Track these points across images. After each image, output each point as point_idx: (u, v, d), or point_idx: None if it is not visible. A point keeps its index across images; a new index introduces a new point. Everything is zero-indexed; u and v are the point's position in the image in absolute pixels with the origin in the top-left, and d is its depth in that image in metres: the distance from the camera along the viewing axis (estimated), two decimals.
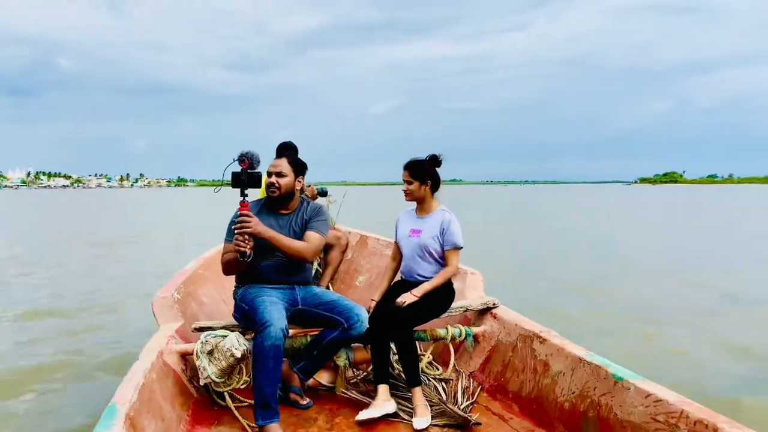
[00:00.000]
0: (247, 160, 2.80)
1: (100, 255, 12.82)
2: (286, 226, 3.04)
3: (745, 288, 8.72)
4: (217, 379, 2.76)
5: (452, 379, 3.24)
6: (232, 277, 3.15)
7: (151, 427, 2.23)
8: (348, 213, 6.32)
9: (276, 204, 3.08)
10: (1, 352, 5.37)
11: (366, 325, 2.97)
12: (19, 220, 27.56)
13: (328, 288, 5.00)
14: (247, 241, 2.77)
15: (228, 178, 2.81)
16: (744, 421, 1.84)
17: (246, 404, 2.94)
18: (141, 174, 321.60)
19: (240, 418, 2.76)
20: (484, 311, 3.47)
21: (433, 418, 2.81)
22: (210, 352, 2.76)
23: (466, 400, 2.99)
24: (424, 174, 3.21)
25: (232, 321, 3.13)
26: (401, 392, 3.06)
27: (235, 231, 2.79)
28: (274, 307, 2.79)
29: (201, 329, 3.07)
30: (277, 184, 3.01)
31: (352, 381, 3.26)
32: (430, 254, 3.19)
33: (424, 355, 3.47)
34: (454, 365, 3.37)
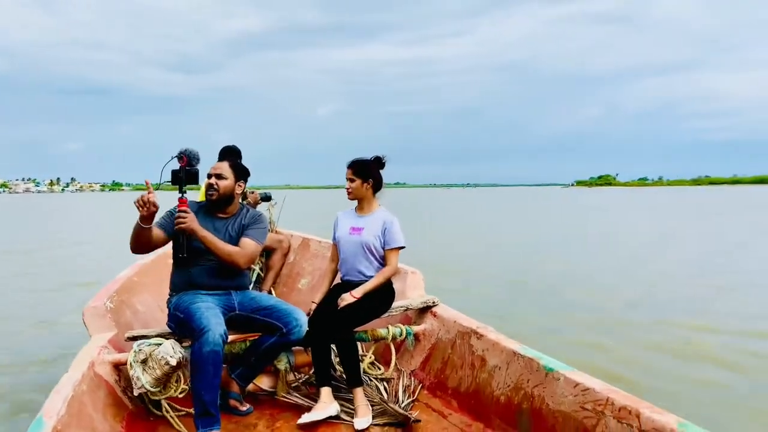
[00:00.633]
0: (186, 158, 2.80)
1: (20, 264, 12.17)
2: (223, 230, 3.00)
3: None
4: (152, 389, 2.68)
5: (394, 379, 3.27)
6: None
7: None
8: (291, 217, 6.28)
9: (214, 207, 3.04)
10: None
11: (305, 328, 2.96)
12: None
13: (270, 292, 4.96)
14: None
15: (167, 175, 2.82)
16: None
17: (184, 413, 2.87)
18: (72, 178, 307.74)
19: (178, 426, 2.70)
20: (425, 310, 3.52)
21: (374, 417, 2.83)
22: (144, 361, 2.69)
23: (407, 399, 3.03)
24: (366, 173, 3.24)
25: (167, 329, 3.05)
26: (343, 393, 3.07)
27: (175, 227, 2.80)
28: (211, 312, 2.75)
29: (134, 338, 2.98)
30: (216, 186, 2.97)
31: (293, 385, 3.24)
32: (372, 253, 3.21)
33: (365, 355, 3.49)
34: (396, 364, 3.41)
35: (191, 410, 2.72)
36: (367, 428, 2.75)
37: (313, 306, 3.25)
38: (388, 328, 3.37)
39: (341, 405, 2.94)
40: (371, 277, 3.21)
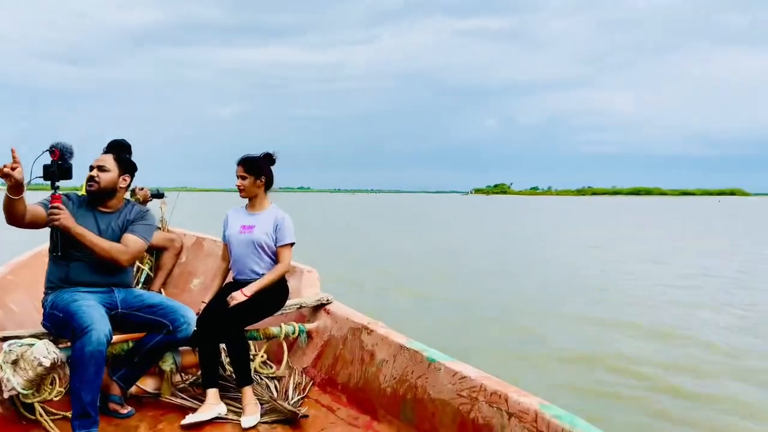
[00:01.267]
0: (58, 152, 2.69)
1: None
2: (105, 225, 2.88)
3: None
4: (23, 391, 2.52)
5: (285, 377, 3.28)
6: None
7: None
8: (185, 218, 6.11)
9: (96, 201, 2.91)
10: None
11: (193, 327, 2.91)
12: None
13: (159, 293, 4.77)
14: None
15: (38, 170, 2.70)
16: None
17: (60, 416, 2.72)
18: None
19: (52, 429, 2.56)
20: (319, 308, 3.56)
21: (262, 415, 2.83)
22: (15, 362, 2.52)
23: (297, 395, 3.06)
24: (257, 169, 3.23)
25: (43, 329, 2.88)
26: (232, 393, 3.04)
27: (48, 224, 2.69)
28: (94, 310, 2.63)
29: (5, 339, 2.78)
30: (97, 178, 2.86)
31: (179, 386, 3.16)
32: (264, 250, 3.20)
33: (257, 354, 3.48)
34: (288, 362, 3.42)
35: (68, 413, 2.60)
36: (255, 426, 2.75)
37: (203, 306, 3.20)
38: (281, 326, 3.38)
39: (229, 405, 2.92)
40: (263, 275, 3.20)
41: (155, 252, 5.03)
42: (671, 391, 4.84)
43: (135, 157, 3.18)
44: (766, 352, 6.03)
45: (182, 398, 3.01)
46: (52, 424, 2.60)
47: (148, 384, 3.09)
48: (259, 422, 2.78)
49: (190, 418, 2.73)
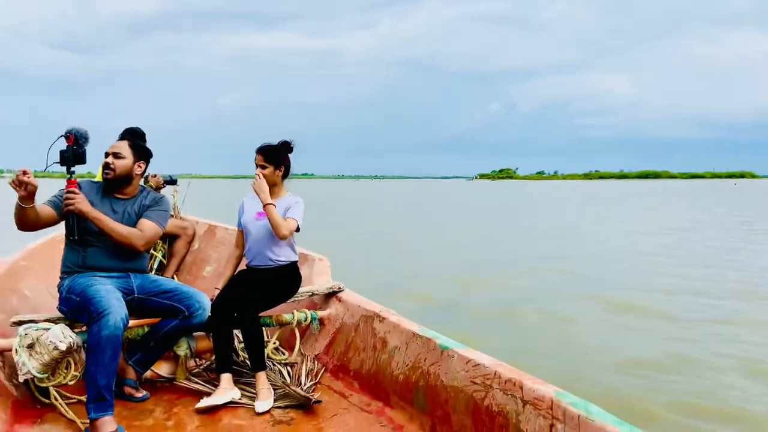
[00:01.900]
0: (73, 137, 2.71)
1: None
2: (121, 211, 2.89)
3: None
4: (39, 375, 2.55)
5: (297, 363, 3.30)
6: None
7: None
8: (194, 206, 6.12)
9: (112, 188, 2.93)
10: None
11: (208, 313, 2.93)
12: None
13: (173, 279, 4.81)
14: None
15: (55, 156, 2.73)
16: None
17: (75, 401, 2.76)
18: None
19: (67, 412, 2.59)
20: (330, 295, 3.57)
21: (276, 400, 2.85)
22: (30, 346, 2.55)
23: (310, 382, 3.08)
24: (278, 158, 3.22)
25: (58, 314, 2.91)
26: (245, 379, 3.07)
27: (63, 209, 2.70)
28: (111, 294, 2.64)
29: (20, 323, 2.81)
30: (112, 165, 2.87)
31: (193, 371, 3.19)
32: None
33: (269, 341, 3.50)
34: (300, 349, 3.44)
35: (83, 398, 2.62)
36: (268, 411, 2.77)
37: (217, 292, 3.21)
38: (293, 313, 3.40)
39: (243, 390, 2.95)
40: (280, 261, 3.21)
41: (168, 239, 5.06)
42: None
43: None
44: None
45: (197, 383, 3.04)
46: (67, 408, 2.63)
47: (163, 368, 3.12)
48: (272, 407, 2.80)
49: (204, 402, 2.76)
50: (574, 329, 6.17)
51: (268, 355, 3.29)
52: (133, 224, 2.87)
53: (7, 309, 3.17)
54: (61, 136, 2.73)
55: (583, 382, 4.34)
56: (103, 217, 2.75)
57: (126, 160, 2.90)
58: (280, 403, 2.84)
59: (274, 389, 2.93)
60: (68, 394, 2.77)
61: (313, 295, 3.53)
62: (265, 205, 3.09)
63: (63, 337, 2.57)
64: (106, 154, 2.90)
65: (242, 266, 3.37)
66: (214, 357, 3.08)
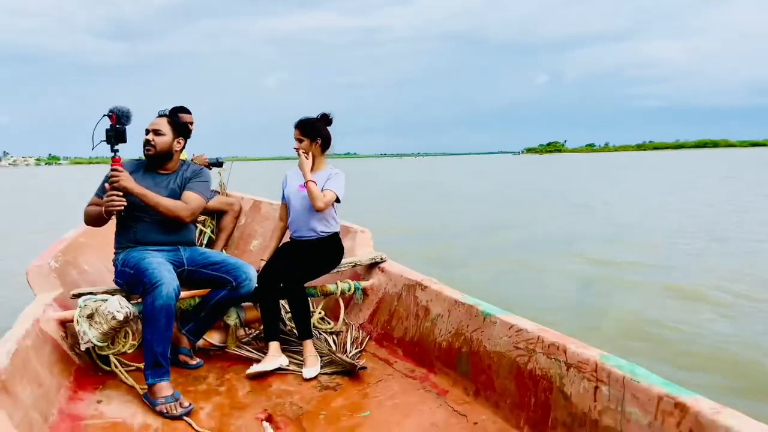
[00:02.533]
0: (115, 115, 2.77)
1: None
2: (164, 186, 2.99)
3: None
4: (99, 343, 2.69)
5: (342, 332, 3.38)
6: None
7: (26, 392, 2.15)
8: (239, 186, 6.22)
9: (153, 164, 3.03)
10: None
11: (254, 283, 3.01)
12: None
13: None
14: (117, 197, 2.77)
15: (99, 135, 2.81)
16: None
17: (133, 368, 2.90)
18: (5, 152, 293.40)
19: (127, 379, 2.73)
20: (373, 266, 3.62)
21: (322, 367, 2.93)
22: (90, 316, 2.68)
23: (355, 349, 3.14)
24: (314, 131, 3.25)
25: (115, 287, 3.05)
26: (293, 347, 3.16)
27: (107, 187, 2.79)
28: (163, 267, 2.75)
29: (80, 295, 2.96)
30: (153, 142, 2.96)
31: (243, 340, 3.30)
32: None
33: (315, 311, 3.58)
34: (344, 318, 3.51)
35: (141, 365, 2.75)
36: (316, 377, 2.86)
37: (263, 264, 3.30)
38: (337, 283, 3.46)
39: (291, 357, 3.04)
40: (323, 233, 3.26)
41: (216, 215, 5.20)
42: None
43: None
44: None
45: (247, 350, 3.16)
46: (126, 375, 2.77)
47: (214, 337, 3.25)
48: (319, 373, 2.88)
49: (254, 369, 2.86)
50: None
51: (314, 324, 3.37)
52: (177, 197, 2.97)
53: (67, 282, 3.34)
54: (105, 115, 2.81)
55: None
56: (148, 192, 2.84)
57: (166, 137, 2.98)
58: (326, 370, 2.92)
59: (321, 357, 3.00)
60: (127, 362, 2.91)
61: (356, 265, 3.58)
62: (306, 182, 3.14)
63: (120, 307, 2.69)
64: (147, 131, 2.99)
65: (286, 238, 3.44)
66: (262, 326, 3.18)
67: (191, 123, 4.49)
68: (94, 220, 2.92)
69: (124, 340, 2.79)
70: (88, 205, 2.97)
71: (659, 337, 4.80)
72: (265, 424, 2.40)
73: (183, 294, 2.98)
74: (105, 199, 2.79)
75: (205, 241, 5.08)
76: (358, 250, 3.77)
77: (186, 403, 2.50)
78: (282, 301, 3.36)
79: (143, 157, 3.09)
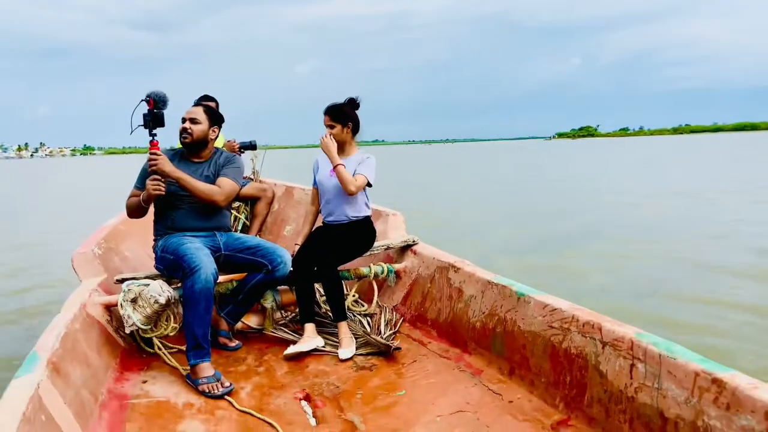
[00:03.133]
0: (152, 100, 2.83)
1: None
2: (199, 173, 3.05)
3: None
4: (143, 326, 2.78)
5: (376, 314, 3.42)
6: None
7: (76, 373, 2.24)
8: (272, 173, 6.28)
9: (189, 152, 3.10)
10: None
11: (290, 266, 3.07)
12: None
13: None
14: (157, 182, 2.85)
15: (136, 120, 2.86)
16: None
17: (176, 350, 3.00)
18: (41, 143, 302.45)
19: (170, 360, 2.82)
20: (405, 248, 3.65)
21: (357, 348, 2.98)
22: (134, 300, 2.78)
23: (389, 330, 3.18)
24: (344, 116, 3.28)
25: (156, 272, 3.15)
26: (328, 329, 3.22)
27: (148, 169, 2.87)
28: (201, 251, 2.82)
29: (123, 280, 3.07)
30: (189, 130, 3.02)
31: (280, 322, 3.38)
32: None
33: (348, 294, 3.63)
34: (378, 301, 3.55)
35: (183, 347, 2.84)
36: (351, 358, 2.91)
37: (297, 248, 3.35)
38: (370, 266, 3.50)
39: (326, 339, 3.10)
40: (354, 217, 3.31)
41: (250, 202, 5.30)
42: None
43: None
44: None
45: (284, 332, 3.23)
46: (169, 357, 2.87)
47: (252, 320, 3.33)
48: (354, 354, 2.93)
49: (291, 349, 2.93)
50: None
51: (348, 306, 3.42)
52: (212, 183, 3.03)
53: (110, 268, 3.46)
54: (142, 100, 2.86)
55: None
56: (185, 175, 2.91)
57: (202, 125, 3.05)
58: (361, 351, 2.97)
59: (355, 338, 3.05)
60: (170, 344, 3.01)
61: (388, 248, 3.61)
62: (335, 166, 3.18)
63: (161, 291, 2.78)
64: (183, 120, 3.06)
65: (319, 222, 3.49)
66: (298, 309, 3.25)
67: None
68: (135, 210, 3.02)
69: (166, 323, 2.88)
70: (129, 197, 3.06)
71: None
72: (304, 403, 2.47)
73: (221, 278, 3.06)
74: (147, 183, 2.87)
75: (239, 227, 5.19)
76: (390, 234, 3.80)
77: (227, 383, 2.58)
78: (317, 285, 3.42)
79: (178, 146, 3.16)
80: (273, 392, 2.58)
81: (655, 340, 1.87)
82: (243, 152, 5.21)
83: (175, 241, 2.94)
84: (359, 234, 3.33)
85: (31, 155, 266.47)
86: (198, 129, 3.04)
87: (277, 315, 3.37)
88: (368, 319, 3.35)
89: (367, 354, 2.94)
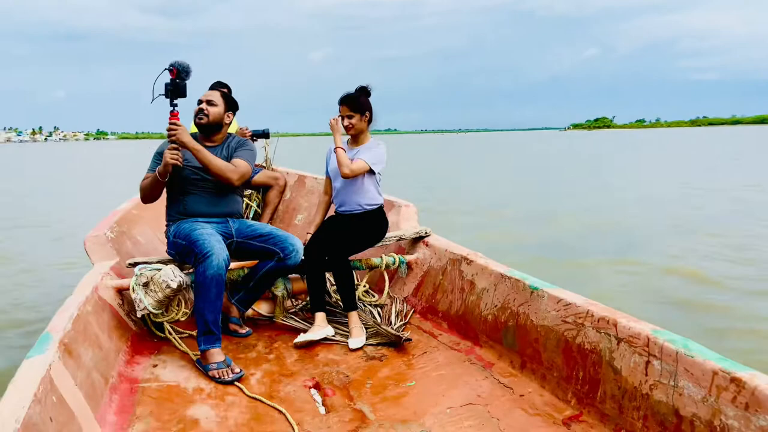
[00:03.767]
0: (176, 70, 2.82)
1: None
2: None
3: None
4: (154, 311, 2.79)
5: (387, 305, 3.40)
6: None
7: (88, 355, 2.25)
8: (284, 161, 6.26)
9: (203, 134, 3.10)
10: None
11: (301, 255, 3.06)
12: None
13: None
14: (176, 151, 2.84)
15: (158, 90, 2.84)
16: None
17: (186, 335, 3.01)
18: (55, 127, 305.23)
19: (180, 345, 2.83)
20: (417, 240, 3.62)
21: (367, 338, 2.97)
22: (146, 284, 2.79)
23: (400, 321, 3.16)
24: (361, 105, 3.25)
25: (168, 257, 3.15)
26: (339, 319, 3.21)
27: (168, 139, 2.87)
28: (213, 237, 2.82)
29: (135, 264, 3.07)
30: (206, 111, 3.02)
31: (290, 311, 3.37)
32: (365, 182, 3.26)
33: (360, 284, 3.61)
34: (389, 292, 3.53)
35: (193, 332, 2.85)
36: (361, 348, 2.90)
37: (308, 237, 3.34)
38: (381, 257, 3.48)
39: (337, 328, 3.09)
40: (367, 206, 3.28)
41: (262, 190, 5.29)
42: None
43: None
44: None
45: (294, 320, 3.22)
46: (180, 341, 2.88)
47: (263, 308, 3.33)
48: (364, 344, 2.92)
49: (301, 338, 2.92)
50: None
51: (359, 296, 3.41)
52: None
53: (123, 253, 3.47)
54: (166, 69, 2.85)
55: None
56: (202, 148, 2.90)
57: (218, 108, 3.04)
58: (371, 341, 2.95)
59: (366, 328, 3.04)
60: (180, 329, 3.02)
61: (400, 239, 3.58)
62: (335, 148, 3.19)
63: (173, 276, 2.79)
64: (199, 101, 3.06)
65: (331, 212, 3.47)
66: (308, 297, 3.24)
67: None
68: (150, 189, 3.00)
69: (177, 308, 2.89)
70: (143, 180, 3.05)
71: None
72: (313, 391, 2.46)
73: (232, 265, 3.06)
74: (165, 152, 2.86)
75: (251, 215, 5.19)
76: (402, 224, 3.78)
77: (237, 369, 2.58)
78: (327, 274, 3.40)
79: (192, 130, 3.15)
80: (283, 379, 2.58)
81: (672, 338, 1.84)
82: (255, 140, 5.19)
83: (187, 227, 2.94)
84: (371, 224, 3.30)
85: (45, 139, 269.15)
86: (214, 111, 3.03)
87: (288, 303, 3.37)
88: (379, 309, 3.34)
89: (378, 344, 2.93)
